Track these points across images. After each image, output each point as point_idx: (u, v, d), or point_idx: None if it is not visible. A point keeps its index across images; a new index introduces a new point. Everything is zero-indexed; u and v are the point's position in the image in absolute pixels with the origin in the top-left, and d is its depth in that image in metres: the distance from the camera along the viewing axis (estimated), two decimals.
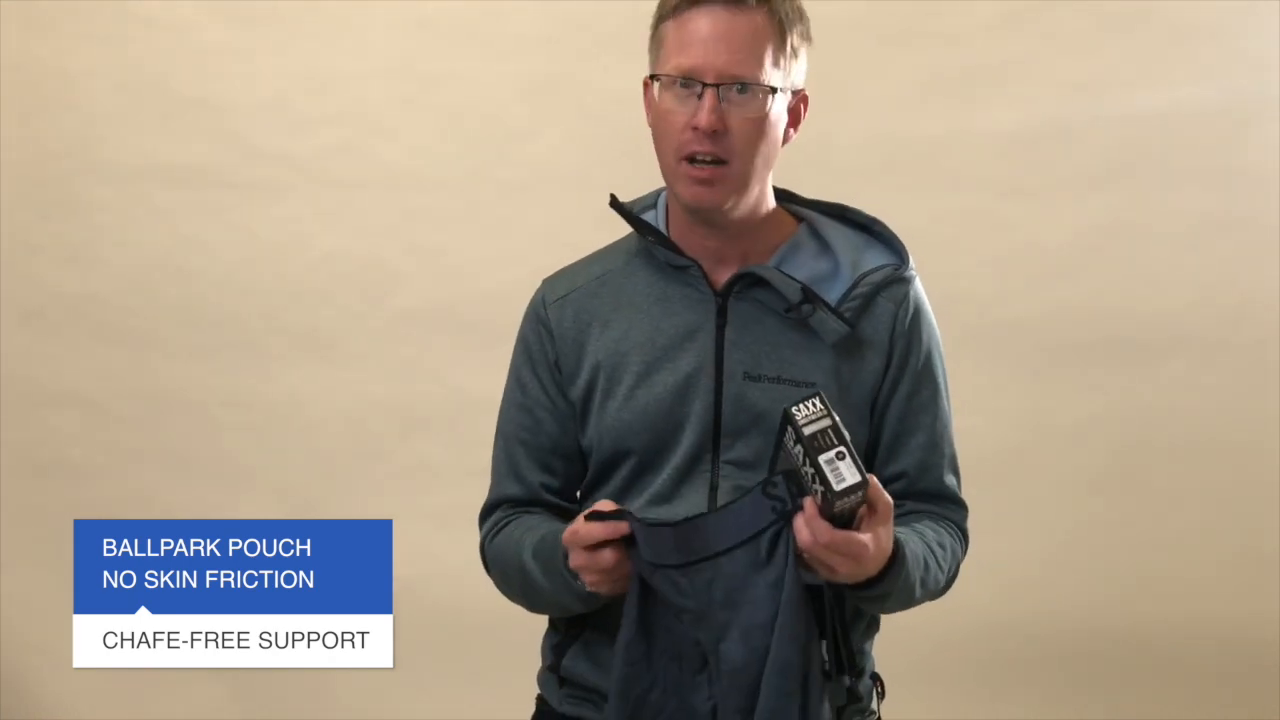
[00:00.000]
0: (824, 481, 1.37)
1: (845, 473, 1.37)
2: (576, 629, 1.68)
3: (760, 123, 1.55)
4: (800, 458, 1.40)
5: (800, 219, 1.68)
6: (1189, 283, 3.11)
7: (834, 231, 1.67)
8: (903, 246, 1.67)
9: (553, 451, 1.71)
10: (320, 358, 3.30)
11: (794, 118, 1.62)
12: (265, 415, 3.32)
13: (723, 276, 1.63)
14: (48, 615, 3.33)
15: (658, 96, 1.57)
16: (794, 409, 1.40)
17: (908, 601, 1.57)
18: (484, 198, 3.25)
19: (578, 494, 1.74)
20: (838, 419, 1.39)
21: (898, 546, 1.48)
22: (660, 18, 1.59)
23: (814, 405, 1.40)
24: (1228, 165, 3.09)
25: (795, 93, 1.60)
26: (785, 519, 1.43)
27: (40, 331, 3.34)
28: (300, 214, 3.29)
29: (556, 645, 1.71)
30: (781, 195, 1.70)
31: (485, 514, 1.79)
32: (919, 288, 1.67)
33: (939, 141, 3.10)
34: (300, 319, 3.30)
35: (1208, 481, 3.12)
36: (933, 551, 1.59)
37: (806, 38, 1.60)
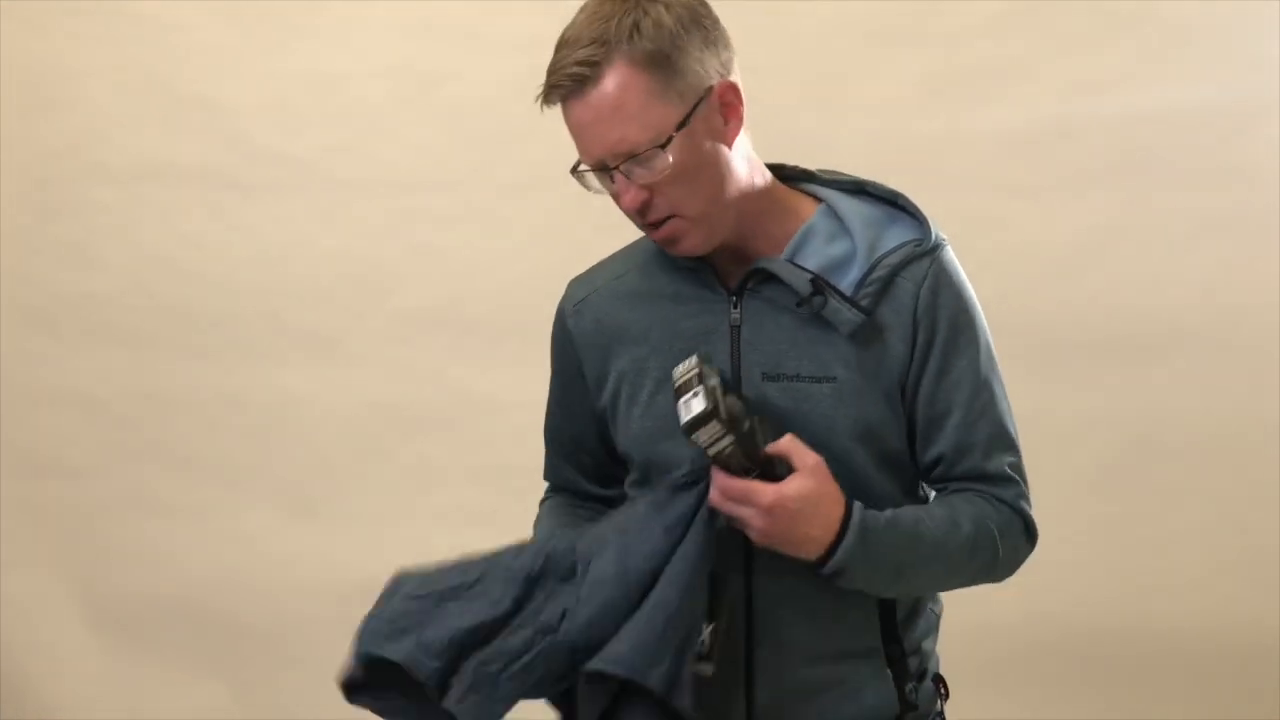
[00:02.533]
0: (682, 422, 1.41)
1: (694, 405, 1.39)
2: None
3: (679, 169, 1.47)
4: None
5: (819, 199, 1.61)
6: (1189, 283, 3.11)
7: (852, 211, 1.58)
8: (926, 219, 1.58)
9: (577, 447, 1.72)
10: (320, 358, 3.30)
11: (727, 112, 1.50)
12: (265, 415, 3.32)
13: (737, 273, 1.57)
14: (48, 615, 3.33)
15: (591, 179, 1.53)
16: (674, 368, 1.46)
17: (894, 579, 1.50)
18: (484, 198, 3.24)
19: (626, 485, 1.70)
20: (705, 368, 1.42)
21: (851, 513, 1.45)
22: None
23: (689, 362, 1.44)
24: (1228, 165, 3.08)
25: (705, 95, 1.48)
26: (693, 474, 1.46)
27: (40, 331, 3.34)
28: (300, 214, 3.28)
29: None
30: (798, 175, 1.64)
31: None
32: (946, 258, 1.57)
33: (939, 141, 3.10)
34: (300, 319, 3.30)
35: (1208, 481, 3.11)
36: (931, 523, 1.51)
37: (687, 34, 1.47)
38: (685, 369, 1.44)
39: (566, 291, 1.71)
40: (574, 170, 1.53)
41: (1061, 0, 3.08)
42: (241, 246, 3.30)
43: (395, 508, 3.29)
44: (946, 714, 1.68)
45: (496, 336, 3.21)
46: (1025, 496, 1.60)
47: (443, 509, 3.23)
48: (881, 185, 1.62)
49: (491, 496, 3.15)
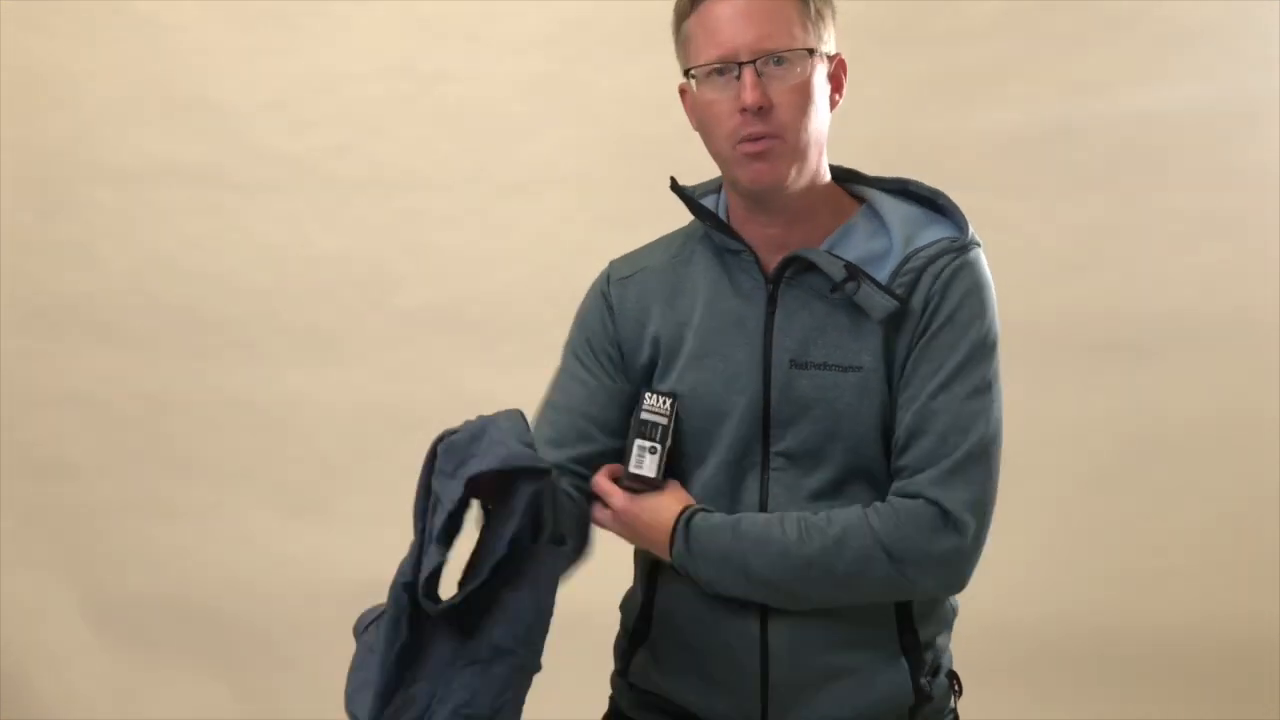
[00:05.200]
0: (627, 459, 1.59)
1: (646, 465, 1.58)
2: (640, 637, 1.68)
3: (805, 89, 1.53)
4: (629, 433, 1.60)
5: (863, 199, 1.65)
6: (1189, 283, 3.11)
7: (893, 209, 1.62)
8: (964, 219, 1.62)
9: (597, 422, 1.66)
10: (320, 358, 3.30)
11: (836, 84, 1.60)
12: (265, 415, 3.32)
13: (776, 261, 1.60)
14: (48, 615, 3.33)
15: (697, 91, 1.56)
16: (647, 394, 1.59)
17: (737, 577, 1.54)
18: (484, 198, 3.24)
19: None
20: (673, 427, 1.58)
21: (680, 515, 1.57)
22: (680, 17, 1.58)
23: (665, 403, 1.59)
24: (1228, 165, 3.08)
25: (831, 58, 1.58)
26: None
27: (40, 331, 3.34)
28: (300, 214, 3.29)
29: (624, 651, 1.72)
30: (845, 175, 1.67)
31: None
32: (973, 256, 1.58)
33: (939, 141, 3.10)
34: (300, 319, 3.30)
35: (1207, 481, 3.11)
36: (783, 526, 1.53)
37: (829, 5, 1.58)
38: (658, 406, 1.59)
39: (610, 268, 1.72)
40: (687, 72, 1.57)
41: (1061, 0, 3.08)
42: (241, 246, 3.30)
43: (395, 508, 3.25)
44: (959, 711, 1.69)
45: (496, 336, 3.21)
46: (943, 482, 1.51)
47: None
48: (923, 184, 1.66)
49: None
